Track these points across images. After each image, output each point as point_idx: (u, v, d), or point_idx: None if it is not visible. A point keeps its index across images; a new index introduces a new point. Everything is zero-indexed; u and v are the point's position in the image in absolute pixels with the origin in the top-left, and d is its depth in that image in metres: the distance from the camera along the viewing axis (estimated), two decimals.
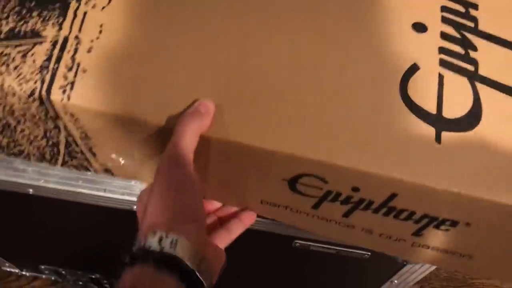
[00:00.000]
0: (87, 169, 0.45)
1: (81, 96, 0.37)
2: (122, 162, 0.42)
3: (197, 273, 0.32)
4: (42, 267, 0.94)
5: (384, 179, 0.34)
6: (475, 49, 0.39)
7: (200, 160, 0.39)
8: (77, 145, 0.42)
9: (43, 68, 0.38)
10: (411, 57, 0.38)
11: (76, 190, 0.52)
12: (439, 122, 0.36)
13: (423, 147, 0.35)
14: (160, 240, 0.32)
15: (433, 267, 0.57)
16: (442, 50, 0.38)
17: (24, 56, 0.39)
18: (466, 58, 0.38)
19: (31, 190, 0.53)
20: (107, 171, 0.45)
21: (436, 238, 0.38)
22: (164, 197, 0.34)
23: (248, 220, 0.44)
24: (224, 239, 0.43)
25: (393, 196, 0.35)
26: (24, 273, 1.02)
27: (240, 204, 0.44)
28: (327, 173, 0.35)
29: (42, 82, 0.38)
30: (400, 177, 0.34)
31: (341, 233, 0.41)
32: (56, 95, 0.37)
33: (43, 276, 1.02)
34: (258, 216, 0.53)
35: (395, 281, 0.66)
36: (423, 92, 0.37)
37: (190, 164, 0.35)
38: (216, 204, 0.45)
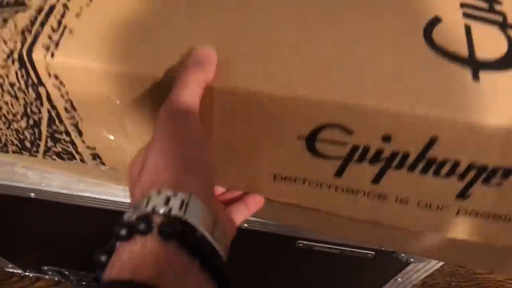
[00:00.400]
0: (72, 157, 0.40)
1: (67, 52, 0.33)
2: (112, 139, 0.37)
3: (213, 243, 0.26)
4: (45, 267, 0.94)
5: (420, 119, 0.29)
6: (499, 3, 0.36)
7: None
8: (61, 121, 0.37)
9: (25, 30, 0.34)
10: (431, 10, 0.35)
11: (78, 193, 0.51)
12: (474, 63, 0.31)
13: (461, 85, 0.30)
14: (167, 200, 0.25)
15: (438, 265, 0.55)
16: (463, 5, 0.35)
17: (5, 21, 0.35)
18: (492, 11, 0.35)
19: (32, 194, 0.54)
20: (96, 157, 0.39)
21: (487, 198, 0.32)
22: (165, 148, 0.28)
23: (253, 204, 0.38)
24: None
25: (432, 142, 0.30)
26: (27, 273, 1.02)
27: (249, 186, 0.38)
28: (351, 119, 0.30)
29: (23, 42, 0.34)
30: (439, 114, 0.29)
31: (371, 210, 0.35)
32: (39, 54, 0.33)
33: (46, 277, 1.01)
34: (261, 218, 0.52)
35: (399, 279, 0.66)
36: (451, 40, 0.33)
37: (196, 113, 0.30)
38: (218, 190, 0.39)
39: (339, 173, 0.33)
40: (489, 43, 0.32)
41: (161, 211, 0.25)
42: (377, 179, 0.33)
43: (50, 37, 0.34)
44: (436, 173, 0.31)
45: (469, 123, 0.29)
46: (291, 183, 0.36)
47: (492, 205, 0.32)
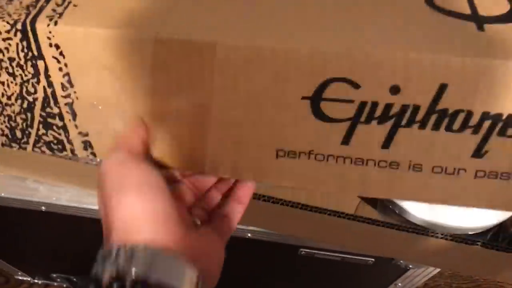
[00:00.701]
0: (63, 147, 0.38)
1: (70, 20, 0.33)
2: (107, 120, 0.35)
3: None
4: (54, 275, 0.98)
5: (428, 65, 0.28)
6: None
7: (200, 103, 0.33)
8: (56, 101, 0.35)
9: (30, 6, 0.35)
10: None
11: (87, 206, 0.53)
12: (477, 18, 0.31)
13: (467, 34, 0.29)
14: (117, 256, 0.25)
15: (436, 271, 0.58)
16: None
17: (10, 0, 0.36)
18: None
19: (43, 207, 0.56)
20: (87, 146, 0.37)
21: (505, 153, 0.30)
22: (121, 193, 0.29)
23: (246, 195, 0.37)
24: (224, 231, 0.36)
25: (442, 89, 0.29)
26: (36, 281, 1.04)
27: (249, 170, 0.35)
28: (357, 71, 0.29)
29: (27, 14, 0.34)
30: (447, 58, 0.28)
31: (382, 183, 0.33)
32: (42, 23, 0.33)
33: (55, 284, 1.04)
34: (263, 227, 0.53)
35: (399, 284, 0.68)
36: (452, 4, 0.33)
37: (145, 157, 0.32)
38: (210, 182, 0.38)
39: (347, 139, 0.32)
40: (491, 5, 0.32)
41: (110, 268, 0.25)
42: (387, 142, 0.31)
43: (54, 10, 0.34)
44: (449, 127, 0.30)
45: (478, 65, 0.28)
46: (295, 160, 0.33)
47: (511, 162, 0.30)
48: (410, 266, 0.59)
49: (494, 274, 0.46)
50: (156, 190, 0.29)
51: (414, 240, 0.52)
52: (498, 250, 0.51)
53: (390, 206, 0.52)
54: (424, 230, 0.51)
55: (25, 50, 0.34)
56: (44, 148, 0.38)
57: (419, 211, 0.51)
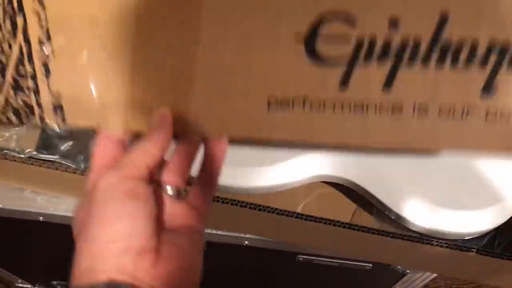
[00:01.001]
0: (31, 112, 0.34)
1: None
2: (84, 78, 0.32)
3: None
4: (54, 282, 0.99)
5: None
6: None
7: (185, 50, 0.31)
8: (30, 58, 0.33)
9: None
10: None
11: None
12: None
13: None
14: None
15: (434, 275, 0.58)
16: None
17: None
18: None
19: (41, 217, 0.58)
20: (57, 110, 0.34)
21: None
22: (96, 225, 0.30)
23: (218, 150, 0.33)
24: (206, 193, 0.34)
25: (443, 19, 0.27)
26: None
27: (238, 125, 0.32)
28: (354, 2, 0.28)
29: None
30: None
31: (385, 131, 0.30)
32: None
33: None
34: (260, 236, 0.53)
35: None
36: None
37: (145, 187, 0.29)
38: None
39: (345, 81, 0.29)
40: None
41: None
42: (388, 82, 0.29)
43: None
44: (454, 62, 0.28)
45: None
46: (289, 109, 0.30)
47: None
48: (408, 271, 0.59)
49: (491, 280, 0.44)
50: (136, 218, 0.28)
51: (410, 247, 0.51)
52: (493, 257, 0.49)
53: (386, 212, 0.49)
54: (419, 237, 0.50)
55: (5, 4, 0.32)
56: (10, 115, 0.35)
57: (415, 216, 0.48)
